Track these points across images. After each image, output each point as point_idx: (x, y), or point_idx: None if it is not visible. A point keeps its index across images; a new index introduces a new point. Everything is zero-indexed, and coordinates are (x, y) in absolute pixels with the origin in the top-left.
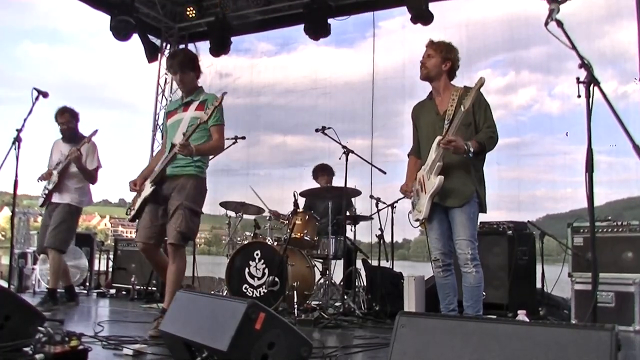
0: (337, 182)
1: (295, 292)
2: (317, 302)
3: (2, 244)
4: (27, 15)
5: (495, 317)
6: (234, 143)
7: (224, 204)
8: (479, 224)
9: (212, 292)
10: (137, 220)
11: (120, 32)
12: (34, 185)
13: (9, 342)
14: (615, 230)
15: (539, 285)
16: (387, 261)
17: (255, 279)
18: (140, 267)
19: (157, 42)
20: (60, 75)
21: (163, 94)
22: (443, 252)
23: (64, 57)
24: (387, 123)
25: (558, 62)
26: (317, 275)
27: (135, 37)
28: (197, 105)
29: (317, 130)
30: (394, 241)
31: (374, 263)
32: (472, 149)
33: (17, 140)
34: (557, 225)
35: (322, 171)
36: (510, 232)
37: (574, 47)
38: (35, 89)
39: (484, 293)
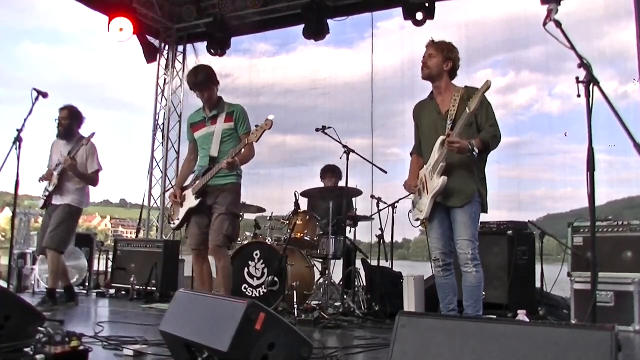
0: (339, 182)
1: (295, 292)
2: (317, 302)
3: (3, 244)
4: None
5: (495, 317)
6: None
7: None
8: (479, 224)
9: (212, 292)
10: (173, 226)
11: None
12: (35, 185)
13: (9, 343)
14: (615, 230)
15: (538, 285)
16: (387, 261)
17: (255, 279)
18: (140, 268)
19: (156, 43)
20: (60, 75)
21: (163, 94)
22: (443, 252)
23: (64, 57)
24: (386, 123)
25: (558, 62)
26: (317, 275)
27: (134, 38)
28: (225, 117)
29: (317, 130)
30: (394, 241)
31: (374, 263)
32: (476, 149)
33: (18, 140)
34: (557, 225)
35: (330, 172)
36: (510, 232)
37: (572, 47)
38: (35, 89)
39: (484, 293)
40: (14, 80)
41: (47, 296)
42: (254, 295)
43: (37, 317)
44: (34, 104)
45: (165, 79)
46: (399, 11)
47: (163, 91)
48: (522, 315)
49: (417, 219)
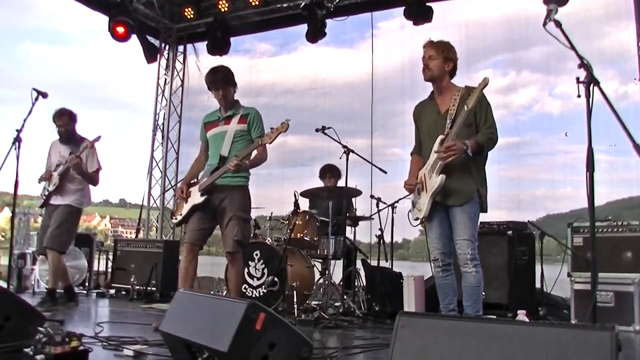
0: (338, 182)
1: (294, 292)
2: (317, 302)
3: (2, 244)
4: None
5: (495, 317)
6: None
7: None
8: (478, 224)
9: (212, 292)
10: (175, 221)
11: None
12: (35, 185)
13: (9, 343)
14: (615, 230)
15: (538, 285)
16: (387, 261)
17: (255, 279)
18: (140, 268)
19: (156, 42)
20: (60, 75)
21: (163, 94)
22: (443, 252)
23: (64, 57)
24: (386, 123)
25: (559, 62)
26: (317, 276)
27: (134, 38)
28: (238, 118)
29: (317, 130)
30: (394, 241)
31: (374, 263)
32: (470, 151)
33: (17, 140)
34: (557, 225)
35: (329, 172)
36: (510, 232)
37: (572, 47)
38: (34, 89)
39: (484, 293)
40: (14, 80)
41: (47, 296)
42: (254, 296)
43: (37, 317)
44: (33, 104)
45: (165, 79)
46: (399, 11)
47: (163, 91)
48: (522, 315)
49: (416, 218)
